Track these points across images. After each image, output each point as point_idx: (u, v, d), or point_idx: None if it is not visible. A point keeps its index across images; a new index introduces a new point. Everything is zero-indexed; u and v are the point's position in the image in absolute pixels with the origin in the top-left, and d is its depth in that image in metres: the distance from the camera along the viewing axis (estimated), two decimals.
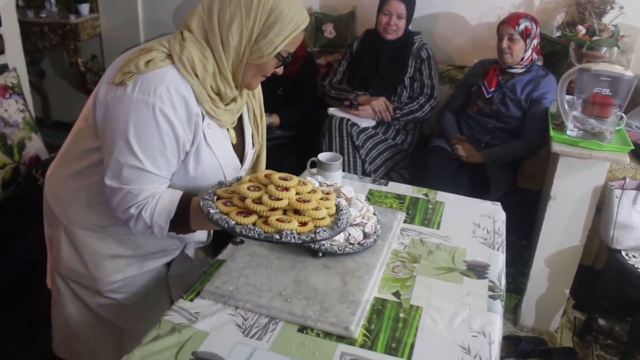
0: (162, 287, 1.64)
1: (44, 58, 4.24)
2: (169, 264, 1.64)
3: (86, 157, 1.37)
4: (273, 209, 1.24)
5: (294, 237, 1.19)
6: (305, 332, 1.24)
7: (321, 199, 1.33)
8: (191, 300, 1.34)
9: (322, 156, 1.89)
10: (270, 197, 1.25)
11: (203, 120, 1.32)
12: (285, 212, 1.27)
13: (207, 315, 1.28)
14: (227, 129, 1.44)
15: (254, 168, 1.65)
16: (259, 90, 1.58)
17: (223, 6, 1.27)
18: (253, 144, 1.58)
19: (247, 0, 1.26)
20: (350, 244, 1.50)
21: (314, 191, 1.33)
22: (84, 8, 3.97)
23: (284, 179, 1.29)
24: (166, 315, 1.28)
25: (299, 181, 1.32)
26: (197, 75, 1.27)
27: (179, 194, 1.34)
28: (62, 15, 3.99)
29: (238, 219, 1.21)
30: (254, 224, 1.21)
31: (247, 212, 1.23)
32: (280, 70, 1.40)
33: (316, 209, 1.27)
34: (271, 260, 1.46)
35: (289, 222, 1.21)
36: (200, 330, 1.24)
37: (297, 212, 1.26)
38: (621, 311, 2.71)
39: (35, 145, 2.57)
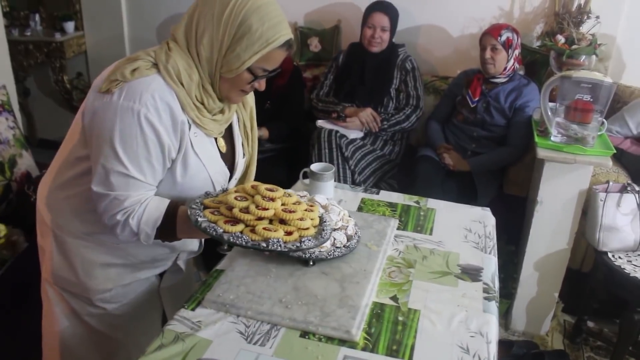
0: (154, 299, 1.64)
1: (28, 76, 4.24)
2: (161, 275, 1.65)
3: (76, 165, 1.39)
4: (260, 219, 1.29)
5: (280, 246, 1.25)
6: (307, 337, 1.27)
7: (305, 210, 1.38)
8: (193, 309, 1.35)
9: (315, 167, 1.92)
10: (257, 206, 1.29)
11: (190, 128, 1.34)
12: (271, 222, 1.31)
13: (210, 323, 1.30)
14: (216, 138, 1.46)
15: (242, 179, 1.67)
16: (250, 102, 1.60)
17: (201, 17, 1.30)
18: (244, 154, 1.60)
19: (219, 12, 1.28)
20: (337, 247, 1.53)
21: (298, 202, 1.38)
22: (69, 26, 3.98)
23: (270, 190, 1.34)
24: (169, 324, 1.30)
25: (284, 192, 1.37)
26: (182, 84, 1.29)
27: (166, 202, 1.36)
28: (48, 34, 4.00)
29: (226, 227, 1.25)
30: (241, 232, 1.26)
31: (235, 221, 1.27)
32: (260, 87, 1.39)
33: (301, 219, 1.32)
34: (269, 269, 1.48)
35: (275, 231, 1.26)
36: (204, 338, 1.25)
37: (282, 222, 1.31)
38: (610, 313, 2.76)
39: (26, 162, 2.57)
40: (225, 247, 1.36)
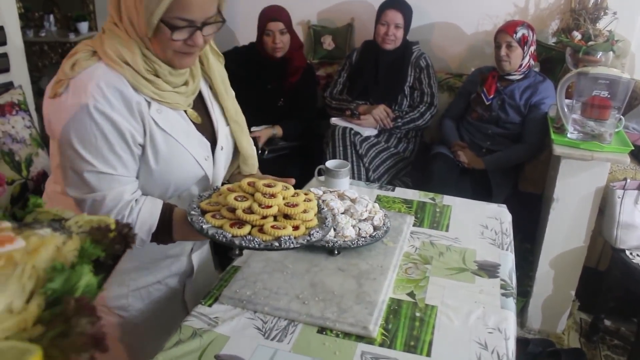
0: (176, 307, 1.57)
1: (43, 77, 4.27)
2: (184, 284, 1.59)
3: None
4: (264, 217, 1.24)
5: (292, 242, 1.21)
6: (324, 333, 1.26)
7: (304, 200, 1.33)
8: (210, 305, 1.35)
9: (330, 164, 1.92)
10: (259, 205, 1.25)
11: (150, 106, 1.26)
12: (275, 217, 1.27)
13: (227, 319, 1.30)
14: (185, 111, 1.37)
15: (237, 168, 1.56)
16: (215, 66, 1.46)
17: None
18: (227, 123, 1.49)
19: None
20: (362, 237, 1.55)
21: (296, 194, 1.33)
22: (83, 26, 4.01)
23: (269, 186, 1.29)
24: (186, 320, 1.30)
25: (283, 186, 1.32)
26: (127, 63, 1.21)
27: (159, 205, 1.30)
28: (62, 34, 4.04)
29: (233, 231, 1.20)
30: (249, 234, 1.21)
31: (240, 223, 1.23)
32: (196, 42, 1.23)
33: (305, 211, 1.28)
34: (286, 265, 1.48)
35: (284, 228, 1.22)
36: (221, 334, 1.25)
37: (286, 216, 1.27)
38: (627, 311, 2.73)
39: (43, 161, 2.59)
40: (237, 252, 1.29)
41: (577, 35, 2.81)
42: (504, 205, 1.94)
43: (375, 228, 1.60)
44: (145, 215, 1.28)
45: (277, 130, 2.98)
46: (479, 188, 2.79)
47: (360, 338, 1.25)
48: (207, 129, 1.43)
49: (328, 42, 3.54)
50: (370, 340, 1.25)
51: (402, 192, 2.02)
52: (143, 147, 1.28)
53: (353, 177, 2.76)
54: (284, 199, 1.29)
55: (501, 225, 1.80)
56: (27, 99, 2.76)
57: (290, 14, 2.99)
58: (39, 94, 4.34)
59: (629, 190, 2.35)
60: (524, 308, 2.75)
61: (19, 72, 2.82)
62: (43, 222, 0.64)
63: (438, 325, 1.31)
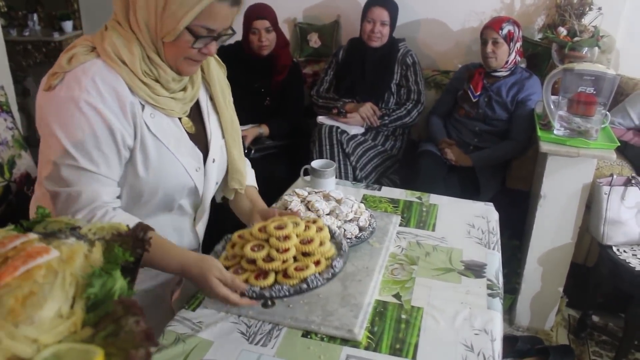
0: (163, 314, 1.53)
1: (27, 76, 4.23)
2: (172, 291, 1.57)
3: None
4: (284, 261, 1.26)
5: (319, 281, 1.23)
6: (309, 336, 1.25)
7: (317, 231, 1.34)
8: (193, 310, 1.33)
9: (315, 163, 1.91)
10: (277, 250, 1.26)
11: (143, 109, 1.25)
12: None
13: (211, 324, 1.28)
14: (180, 119, 1.35)
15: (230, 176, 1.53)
16: (217, 74, 1.46)
17: None
18: (223, 135, 1.47)
19: None
20: (348, 238, 1.53)
21: (307, 227, 1.34)
22: (68, 25, 3.97)
23: (280, 228, 1.29)
24: (169, 325, 1.28)
25: (292, 223, 1.32)
26: (124, 63, 1.20)
27: (135, 219, 1.23)
28: (46, 33, 3.99)
29: (260, 283, 1.22)
30: (276, 282, 1.23)
31: (264, 273, 1.25)
32: (209, 52, 1.25)
33: (321, 244, 1.30)
34: None
35: (307, 267, 1.24)
36: (205, 339, 1.23)
37: (304, 253, 1.29)
38: (614, 307, 2.74)
39: (25, 162, 2.56)
40: (270, 303, 1.28)
41: (562, 31, 2.81)
42: (491, 204, 1.93)
43: (360, 229, 1.59)
44: (119, 220, 1.23)
45: (264, 129, 2.96)
46: (467, 185, 2.79)
47: (345, 341, 1.24)
48: (200, 140, 1.40)
49: (314, 40, 3.52)
50: (355, 344, 1.23)
51: (388, 192, 2.00)
52: (132, 150, 1.26)
53: (340, 177, 2.75)
54: (297, 236, 1.30)
55: (488, 224, 1.79)
56: (10, 99, 2.72)
57: (276, 12, 2.97)
58: (23, 93, 4.30)
59: (616, 187, 2.35)
60: (512, 305, 2.75)
61: (1, 73, 2.78)
62: (65, 231, 0.68)
63: (424, 327, 1.30)
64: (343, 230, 1.55)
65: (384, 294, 1.41)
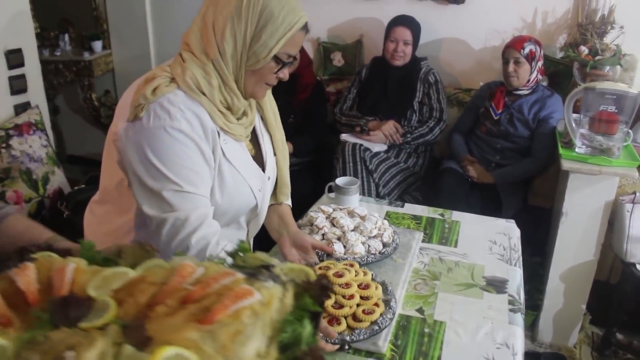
0: None
1: (58, 94, 4.35)
2: None
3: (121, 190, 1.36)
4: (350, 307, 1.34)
5: (386, 321, 1.32)
6: None
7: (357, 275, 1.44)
8: None
9: (340, 181, 1.96)
10: (343, 297, 1.35)
11: (219, 136, 1.32)
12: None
13: None
14: (244, 142, 1.44)
15: (276, 187, 1.61)
16: (268, 97, 1.55)
17: (216, 14, 1.27)
18: (275, 153, 1.57)
19: (237, 5, 1.25)
20: (372, 254, 1.59)
21: (357, 272, 1.44)
22: (97, 45, 4.08)
23: (339, 276, 1.39)
24: None
25: (344, 269, 1.42)
26: (204, 93, 1.28)
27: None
28: (76, 53, 4.11)
29: (336, 329, 1.29)
30: (348, 327, 1.31)
31: (335, 319, 1.32)
32: (285, 76, 1.36)
33: (375, 287, 1.40)
34: None
35: (373, 312, 1.32)
36: None
37: (363, 297, 1.37)
38: (639, 325, 2.72)
39: (58, 178, 2.65)
40: (347, 348, 1.31)
41: (584, 49, 2.83)
42: (513, 221, 1.96)
43: (384, 245, 1.63)
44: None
45: (288, 147, 3.01)
46: (489, 202, 2.81)
47: (370, 354, 1.28)
48: (259, 161, 1.49)
49: (338, 59, 3.58)
50: (379, 356, 1.27)
51: (411, 208, 2.04)
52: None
53: (363, 193, 2.79)
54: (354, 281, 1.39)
55: (509, 241, 1.82)
56: (44, 118, 2.82)
57: None
58: (54, 111, 4.42)
59: (638, 204, 2.36)
60: (534, 322, 2.75)
61: (36, 92, 2.88)
62: (263, 272, 0.73)
63: (447, 340, 1.33)
64: (367, 246, 1.60)
65: (407, 309, 1.45)
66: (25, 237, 1.03)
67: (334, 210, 1.73)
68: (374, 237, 1.65)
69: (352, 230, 1.64)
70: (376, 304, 1.35)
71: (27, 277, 0.71)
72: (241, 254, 0.82)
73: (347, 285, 1.36)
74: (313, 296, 0.73)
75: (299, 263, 1.58)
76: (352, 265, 1.46)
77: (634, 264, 2.39)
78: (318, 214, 1.71)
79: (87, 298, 0.68)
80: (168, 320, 0.64)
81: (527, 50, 2.77)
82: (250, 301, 0.66)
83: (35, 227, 1.10)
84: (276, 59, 1.30)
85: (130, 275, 0.72)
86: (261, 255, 0.81)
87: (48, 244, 0.88)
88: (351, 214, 1.72)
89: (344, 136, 3.06)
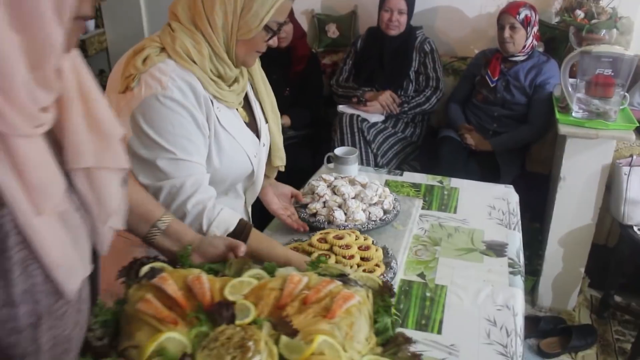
0: None
1: None
2: None
3: None
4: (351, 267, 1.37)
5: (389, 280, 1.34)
6: None
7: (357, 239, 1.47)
8: None
9: (338, 151, 1.96)
10: (344, 257, 1.37)
11: (212, 104, 1.33)
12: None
13: None
14: (237, 109, 1.44)
15: (270, 158, 1.62)
16: (256, 66, 1.55)
17: None
18: (266, 120, 1.57)
19: None
20: (372, 221, 1.60)
21: (357, 237, 1.46)
22: (90, 24, 4.04)
23: (339, 238, 1.41)
24: None
25: (346, 234, 1.45)
26: (194, 62, 1.28)
27: (237, 215, 1.35)
28: None
29: None
30: None
31: None
32: (274, 43, 1.37)
33: (376, 250, 1.42)
34: None
35: (373, 272, 1.34)
36: None
37: (364, 259, 1.39)
38: (637, 287, 2.76)
39: None
40: None
41: (580, 13, 2.82)
42: (511, 186, 1.97)
43: (385, 212, 1.65)
44: (227, 215, 1.31)
45: (285, 120, 3.01)
46: (487, 170, 2.82)
47: None
48: (253, 127, 1.49)
49: (332, 31, 3.56)
50: None
51: (410, 176, 2.05)
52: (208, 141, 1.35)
53: (362, 163, 2.79)
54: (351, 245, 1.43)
55: (508, 206, 1.83)
56: None
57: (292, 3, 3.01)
58: None
59: (635, 167, 2.37)
60: (534, 286, 2.79)
61: None
62: (350, 280, 0.97)
63: (448, 304, 1.35)
64: (368, 213, 1.61)
65: (409, 274, 1.47)
66: (137, 205, 1.14)
67: (335, 178, 1.75)
68: (375, 204, 1.66)
69: (353, 198, 1.65)
70: (377, 265, 1.37)
71: (171, 285, 0.90)
72: (322, 265, 1.05)
73: (347, 246, 1.38)
74: (385, 295, 0.96)
75: (282, 211, 1.65)
76: (354, 233, 1.48)
77: (631, 227, 2.42)
78: (319, 182, 1.72)
79: (232, 302, 0.87)
80: (302, 317, 0.85)
81: (522, 16, 2.75)
82: (355, 301, 0.88)
83: (147, 200, 1.21)
84: (266, 27, 1.30)
85: (254, 283, 0.93)
86: (338, 266, 1.06)
87: (155, 255, 1.09)
88: (352, 182, 1.73)
89: (341, 107, 3.06)
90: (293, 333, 0.82)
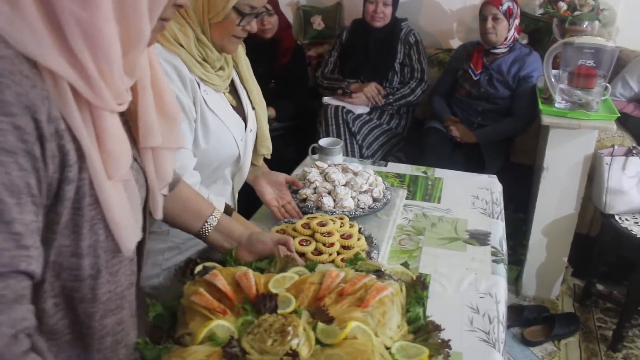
0: None
1: None
2: None
3: None
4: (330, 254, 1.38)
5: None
6: None
7: (350, 227, 1.46)
8: None
9: (323, 142, 1.97)
10: (324, 244, 1.37)
11: (199, 87, 1.34)
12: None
13: None
14: (224, 93, 1.46)
15: (256, 147, 1.64)
16: (241, 54, 1.57)
17: None
18: (253, 107, 1.59)
19: None
20: (361, 208, 1.62)
21: (342, 223, 1.46)
22: None
23: (322, 224, 1.41)
24: None
25: (330, 220, 1.44)
26: (181, 45, 1.30)
27: (222, 201, 1.38)
28: None
29: None
30: None
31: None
32: (252, 28, 1.36)
33: (358, 239, 1.42)
34: None
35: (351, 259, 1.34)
36: None
37: (345, 247, 1.39)
38: (618, 275, 2.80)
39: None
40: None
41: (562, 5, 2.84)
42: (494, 176, 1.99)
43: (375, 200, 1.66)
44: (212, 200, 1.33)
45: (270, 112, 3.01)
46: (472, 161, 2.84)
47: None
48: (240, 112, 1.51)
49: (318, 22, 3.56)
50: None
51: (394, 167, 2.06)
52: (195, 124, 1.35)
53: (347, 155, 2.80)
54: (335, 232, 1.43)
55: (492, 195, 1.85)
56: None
57: None
58: None
59: (617, 157, 2.40)
60: (518, 276, 2.82)
61: None
62: (384, 274, 1.06)
63: (431, 292, 1.36)
64: (357, 200, 1.63)
65: (393, 263, 1.47)
66: (191, 203, 1.21)
67: (328, 165, 1.76)
68: (364, 192, 1.67)
69: (344, 185, 1.67)
70: (357, 254, 1.37)
71: (221, 280, 1.01)
72: (358, 262, 1.16)
73: (329, 233, 1.39)
74: (418, 288, 1.05)
75: (275, 200, 1.65)
76: (342, 219, 1.48)
77: (612, 216, 2.45)
78: (312, 169, 1.73)
79: (275, 295, 0.97)
80: (337, 307, 0.95)
81: (505, 7, 2.77)
82: (388, 292, 0.96)
83: (195, 196, 1.24)
84: (237, 10, 1.30)
85: (295, 278, 1.02)
86: (374, 262, 1.19)
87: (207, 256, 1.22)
88: (345, 169, 1.75)
89: (326, 99, 3.06)
90: (329, 320, 0.91)
